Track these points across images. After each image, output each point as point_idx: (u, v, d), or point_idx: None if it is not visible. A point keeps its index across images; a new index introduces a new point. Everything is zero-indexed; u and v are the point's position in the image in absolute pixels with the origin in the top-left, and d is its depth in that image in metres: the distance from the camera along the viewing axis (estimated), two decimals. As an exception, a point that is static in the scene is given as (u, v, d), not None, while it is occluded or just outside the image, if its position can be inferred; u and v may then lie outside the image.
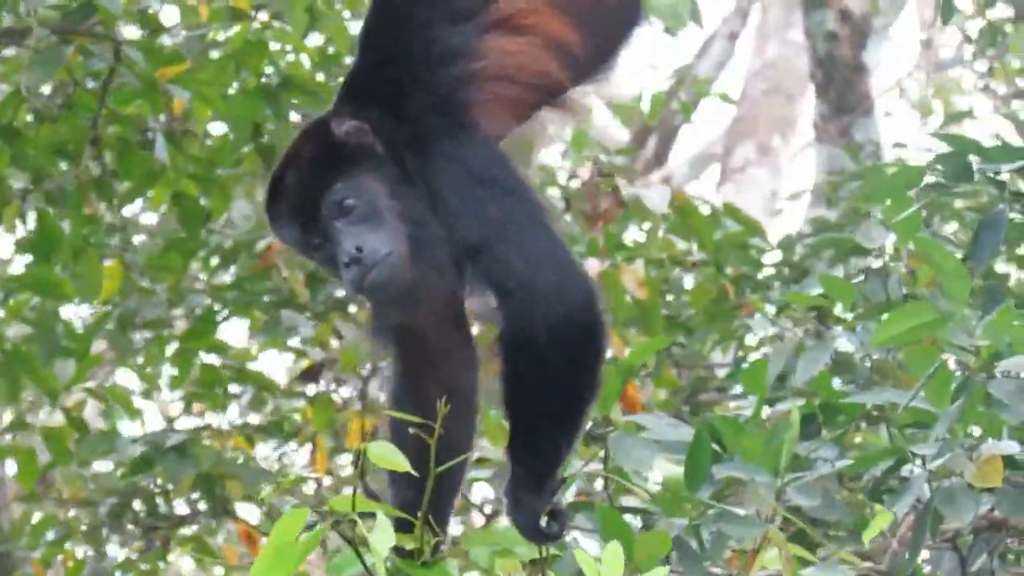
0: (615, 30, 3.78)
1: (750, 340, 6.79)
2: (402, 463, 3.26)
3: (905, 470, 4.04)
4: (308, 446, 7.98)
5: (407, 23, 3.57)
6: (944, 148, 4.57)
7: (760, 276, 7.05)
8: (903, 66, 15.98)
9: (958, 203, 7.28)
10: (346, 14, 7.11)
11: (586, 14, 3.69)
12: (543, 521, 3.49)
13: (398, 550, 3.41)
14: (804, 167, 14.13)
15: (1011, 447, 3.85)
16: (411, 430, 3.39)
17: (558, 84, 3.66)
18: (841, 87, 12.08)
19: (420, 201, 3.48)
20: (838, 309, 5.02)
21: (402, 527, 3.35)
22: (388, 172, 3.50)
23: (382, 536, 3.18)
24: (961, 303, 3.79)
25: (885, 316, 4.04)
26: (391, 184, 3.49)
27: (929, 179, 4.52)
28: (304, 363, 7.88)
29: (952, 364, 3.92)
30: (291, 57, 6.79)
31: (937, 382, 3.93)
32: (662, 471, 4.34)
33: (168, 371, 7.84)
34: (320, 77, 6.84)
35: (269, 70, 6.60)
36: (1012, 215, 4.49)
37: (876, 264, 4.91)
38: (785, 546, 3.87)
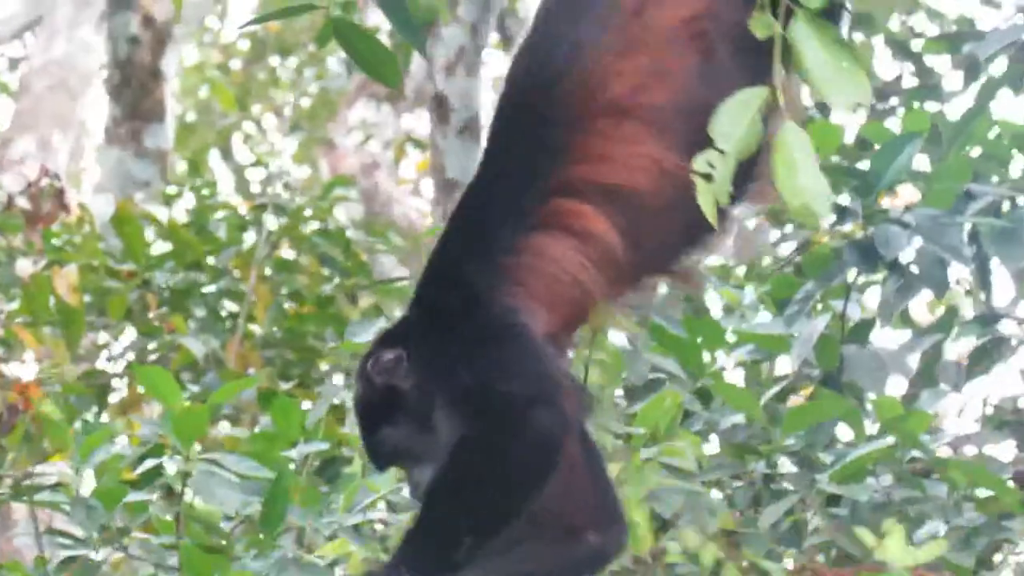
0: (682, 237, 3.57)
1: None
2: None
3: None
4: None
5: (473, 245, 3.53)
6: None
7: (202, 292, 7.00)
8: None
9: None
10: None
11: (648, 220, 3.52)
12: None
13: None
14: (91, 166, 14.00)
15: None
16: None
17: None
18: (137, 92, 12.12)
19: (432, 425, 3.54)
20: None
21: None
22: (412, 411, 3.56)
23: None
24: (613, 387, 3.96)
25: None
26: (413, 427, 3.56)
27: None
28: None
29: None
30: None
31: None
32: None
33: None
34: None
35: None
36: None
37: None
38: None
